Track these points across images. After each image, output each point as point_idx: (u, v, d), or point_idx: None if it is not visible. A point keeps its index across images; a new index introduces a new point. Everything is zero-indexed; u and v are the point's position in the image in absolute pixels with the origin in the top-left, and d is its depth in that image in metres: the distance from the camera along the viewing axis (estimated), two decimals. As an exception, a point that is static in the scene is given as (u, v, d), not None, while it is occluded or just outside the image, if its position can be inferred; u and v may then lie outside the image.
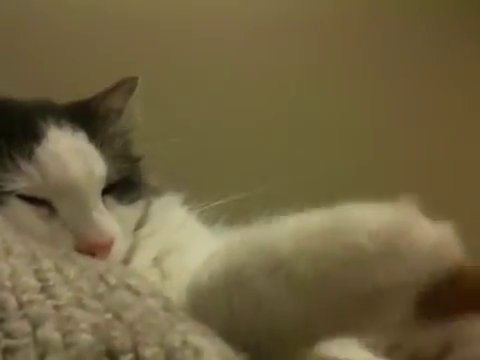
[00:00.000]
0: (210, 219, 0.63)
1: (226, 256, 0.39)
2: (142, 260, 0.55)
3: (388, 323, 0.33)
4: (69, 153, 0.52)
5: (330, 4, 1.26)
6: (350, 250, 0.31)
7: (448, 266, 0.31)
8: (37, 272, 0.32)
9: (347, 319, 0.33)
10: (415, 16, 1.31)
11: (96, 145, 0.55)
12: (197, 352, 0.26)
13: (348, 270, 0.31)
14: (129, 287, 0.33)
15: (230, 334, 0.31)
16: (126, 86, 0.63)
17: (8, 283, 0.30)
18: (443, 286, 0.31)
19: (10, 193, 0.49)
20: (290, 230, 0.35)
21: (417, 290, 0.31)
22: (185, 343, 0.27)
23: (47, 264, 0.33)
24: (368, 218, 0.32)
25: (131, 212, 0.57)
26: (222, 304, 0.37)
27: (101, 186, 0.54)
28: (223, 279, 0.37)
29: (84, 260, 0.39)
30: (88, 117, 0.58)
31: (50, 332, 0.27)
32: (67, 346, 0.26)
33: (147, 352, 0.26)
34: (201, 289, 0.39)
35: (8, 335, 0.27)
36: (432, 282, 0.31)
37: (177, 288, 0.44)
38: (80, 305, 0.29)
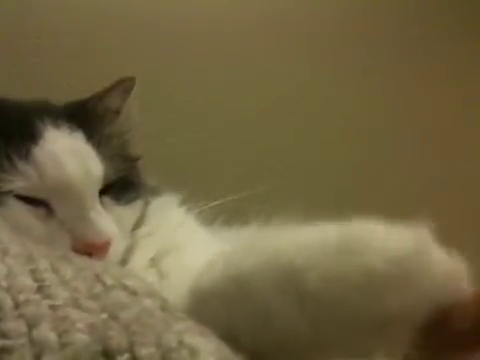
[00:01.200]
0: (208, 219, 0.63)
1: (230, 262, 0.38)
2: (140, 260, 0.55)
3: (395, 348, 0.33)
4: (66, 153, 0.52)
5: (330, 4, 1.26)
6: (364, 274, 0.31)
7: (457, 297, 0.31)
8: (33, 272, 0.32)
9: (355, 341, 0.33)
10: (415, 16, 1.31)
11: (93, 145, 0.55)
12: (193, 352, 0.26)
13: (361, 293, 0.31)
14: (125, 287, 0.33)
15: (230, 341, 0.31)
16: (124, 86, 0.63)
17: (4, 283, 0.30)
18: (451, 315, 0.31)
19: (7, 193, 0.49)
20: (302, 243, 0.35)
21: (424, 318, 0.31)
22: (181, 343, 0.27)
23: (43, 264, 0.33)
24: (384, 241, 0.32)
25: (129, 212, 0.57)
26: (222, 311, 0.36)
27: (98, 186, 0.54)
28: (225, 286, 0.37)
29: (81, 260, 0.39)
30: (85, 117, 0.58)
31: (46, 332, 0.27)
32: (63, 346, 0.26)
33: (143, 352, 0.26)
34: (201, 294, 0.39)
35: (4, 335, 0.27)
36: (440, 311, 0.31)
37: (175, 288, 0.44)
38: (76, 305, 0.29)
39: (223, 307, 0.36)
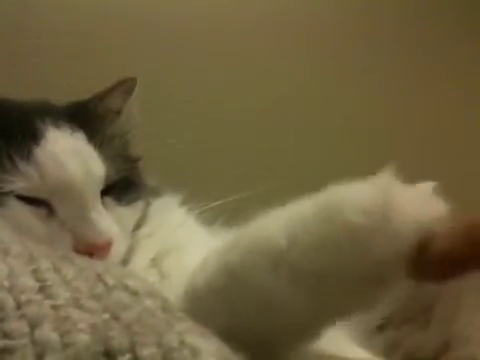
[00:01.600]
0: (209, 219, 0.63)
1: (221, 258, 0.39)
2: (141, 260, 0.55)
3: (390, 292, 0.34)
4: (68, 153, 0.52)
5: (330, 4, 1.26)
6: (345, 231, 0.32)
7: (433, 223, 0.32)
8: (35, 272, 0.32)
9: (352, 298, 0.34)
10: (415, 16, 1.31)
11: (95, 145, 0.55)
12: (195, 352, 0.26)
13: (347, 251, 0.32)
14: (127, 288, 0.33)
15: (229, 335, 0.31)
16: (125, 86, 0.63)
17: (6, 283, 0.30)
18: (432, 243, 0.32)
19: (8, 194, 0.49)
20: (282, 222, 0.36)
21: (409, 253, 0.32)
22: (183, 343, 0.27)
23: (45, 264, 0.33)
24: (355, 196, 0.33)
25: (130, 212, 0.57)
26: (221, 306, 0.37)
27: (100, 187, 0.54)
28: (221, 281, 0.38)
29: (82, 260, 0.39)
30: (87, 117, 0.58)
31: (48, 332, 0.27)
32: (65, 346, 0.26)
33: (145, 352, 0.26)
34: (198, 293, 0.40)
35: (6, 335, 0.27)
36: (421, 241, 0.32)
37: (176, 288, 0.44)
38: (78, 305, 0.30)
39: (222, 302, 0.37)
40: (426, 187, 0.34)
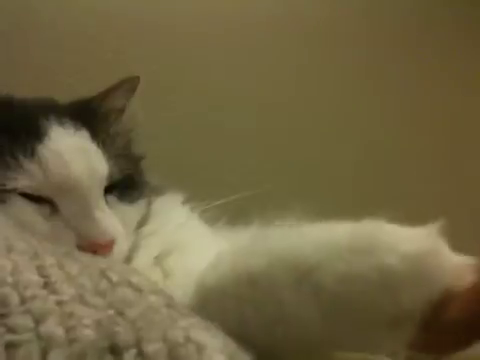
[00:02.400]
0: (212, 218, 0.63)
1: (237, 261, 0.38)
2: (144, 259, 0.55)
3: (406, 342, 0.33)
4: (71, 151, 0.52)
5: (330, 4, 1.26)
6: (379, 271, 0.32)
7: (459, 289, 0.32)
8: (39, 268, 0.32)
9: (369, 336, 0.33)
10: (415, 15, 1.31)
11: (98, 144, 0.55)
12: (200, 347, 0.26)
13: (376, 291, 0.32)
14: (131, 284, 0.33)
15: (237, 337, 0.31)
16: (128, 85, 0.63)
17: (10, 279, 0.30)
18: (451, 305, 0.32)
19: (12, 191, 0.49)
20: (317, 242, 0.35)
21: (429, 311, 0.31)
22: (188, 339, 0.27)
23: (49, 261, 0.33)
24: (396, 239, 0.33)
25: (133, 211, 0.57)
26: (232, 309, 0.36)
27: (103, 185, 0.54)
28: (235, 285, 0.37)
29: (86, 257, 0.39)
30: (90, 116, 0.58)
31: (53, 327, 0.27)
32: (70, 342, 0.26)
33: (150, 347, 0.26)
34: (208, 293, 0.39)
35: (11, 330, 0.27)
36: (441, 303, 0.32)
37: (179, 287, 0.44)
38: (83, 301, 0.29)
39: (233, 304, 0.36)
40: (466, 259, 0.33)
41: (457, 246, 0.34)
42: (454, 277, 0.32)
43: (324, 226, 0.37)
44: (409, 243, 0.32)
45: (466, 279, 0.32)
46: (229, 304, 0.36)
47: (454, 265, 0.32)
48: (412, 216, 0.34)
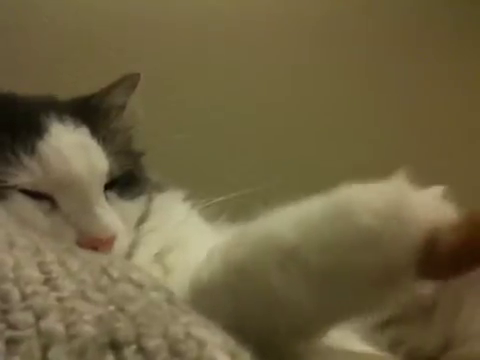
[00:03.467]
0: (212, 215, 0.63)
1: (226, 253, 0.39)
2: (144, 255, 0.55)
3: (398, 294, 0.34)
4: (71, 148, 0.52)
5: (330, 2, 1.26)
6: (357, 233, 0.32)
7: (442, 225, 0.32)
8: (40, 264, 0.32)
9: (361, 298, 0.34)
10: (415, 15, 1.31)
11: (98, 140, 0.55)
12: (200, 344, 0.26)
13: (359, 252, 0.32)
14: (131, 280, 0.33)
15: (234, 330, 0.31)
16: (128, 82, 0.64)
17: (11, 275, 0.30)
18: (440, 245, 0.32)
19: (13, 188, 0.49)
20: (293, 220, 0.36)
21: (418, 253, 0.32)
22: (189, 335, 0.27)
23: (50, 257, 0.33)
24: (367, 198, 0.33)
25: (133, 207, 0.58)
26: (226, 301, 0.37)
27: (103, 181, 0.54)
28: (226, 276, 0.38)
29: (86, 254, 0.39)
30: (90, 113, 0.58)
31: (54, 323, 0.27)
32: (71, 337, 0.26)
33: (150, 343, 0.26)
34: (202, 287, 0.40)
35: (12, 326, 0.27)
36: (430, 241, 0.32)
37: (179, 283, 0.44)
38: (83, 297, 0.30)
39: (227, 297, 0.37)
40: (436, 191, 0.34)
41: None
42: (430, 214, 0.32)
43: (299, 205, 0.38)
44: (378, 199, 0.33)
45: (442, 209, 0.33)
46: (223, 297, 0.37)
47: (425, 205, 0.33)
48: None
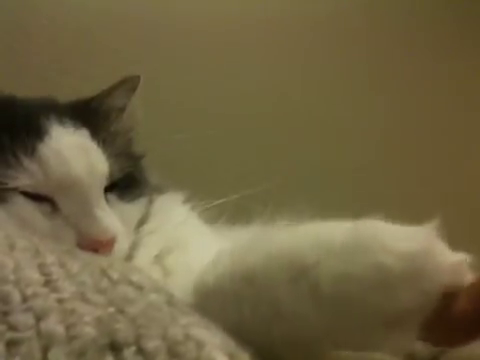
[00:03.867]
0: (212, 217, 0.63)
1: (236, 258, 0.39)
2: (144, 257, 0.55)
3: (406, 340, 0.33)
4: (71, 150, 0.52)
5: (330, 3, 1.26)
6: (377, 271, 0.32)
7: (460, 286, 0.32)
8: (40, 266, 0.32)
9: (367, 335, 0.33)
10: (415, 16, 1.31)
11: (98, 143, 0.55)
12: (200, 345, 0.26)
13: (374, 291, 0.32)
14: (131, 282, 0.33)
15: (236, 335, 0.31)
16: (128, 84, 0.64)
17: (12, 277, 0.30)
18: (454, 303, 0.32)
19: (13, 190, 0.49)
20: (313, 240, 0.35)
21: (431, 309, 0.32)
22: (188, 336, 0.27)
23: (50, 259, 0.33)
24: (394, 239, 0.32)
25: (133, 209, 0.58)
26: (230, 307, 0.37)
27: (103, 183, 0.54)
28: (233, 283, 0.37)
29: (86, 256, 0.39)
30: (90, 115, 0.58)
31: (54, 325, 0.27)
32: (71, 339, 0.26)
33: (150, 345, 0.26)
34: (206, 291, 0.39)
35: (12, 328, 0.27)
36: (444, 301, 0.32)
37: (179, 285, 0.44)
38: (83, 299, 0.30)
39: (232, 303, 0.36)
40: (463, 257, 0.34)
41: (456, 245, 0.34)
42: (451, 275, 0.32)
43: (321, 225, 0.37)
44: (405, 242, 0.32)
45: (464, 276, 0.32)
46: (228, 302, 0.37)
47: (451, 263, 0.32)
48: (413, 216, 0.34)
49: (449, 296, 0.32)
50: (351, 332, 0.33)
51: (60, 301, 0.29)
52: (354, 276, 0.32)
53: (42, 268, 0.32)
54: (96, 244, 0.50)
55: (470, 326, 0.32)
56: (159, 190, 0.64)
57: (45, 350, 0.26)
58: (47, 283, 0.30)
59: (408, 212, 0.35)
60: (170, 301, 0.32)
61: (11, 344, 0.26)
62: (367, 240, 0.33)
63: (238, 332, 0.32)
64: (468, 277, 0.33)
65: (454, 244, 0.34)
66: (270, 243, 0.37)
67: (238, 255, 0.39)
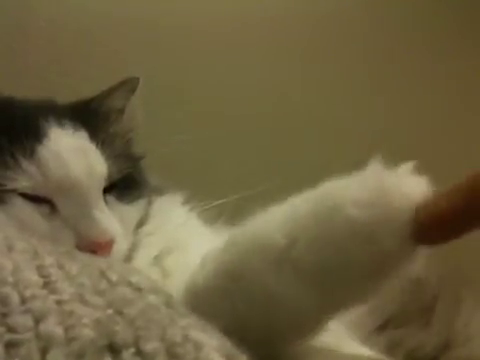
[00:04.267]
0: (211, 218, 0.63)
1: (218, 257, 0.39)
2: (143, 258, 0.55)
3: (395, 270, 0.34)
4: (70, 152, 0.53)
5: (331, 3, 1.26)
6: (346, 226, 0.33)
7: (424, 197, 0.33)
8: (39, 268, 0.32)
9: (357, 288, 0.34)
10: (415, 16, 1.31)
11: (97, 144, 0.55)
12: (198, 347, 0.27)
13: (350, 244, 0.32)
14: (130, 284, 0.33)
15: (231, 332, 0.32)
16: (128, 86, 0.64)
17: (11, 278, 0.30)
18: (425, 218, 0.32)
19: (12, 192, 0.50)
20: (278, 219, 0.36)
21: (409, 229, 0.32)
22: (186, 338, 0.27)
23: (49, 260, 0.33)
24: (349, 191, 0.34)
25: (132, 211, 0.58)
26: (222, 304, 0.37)
27: (102, 185, 0.54)
28: (217, 279, 0.38)
29: (85, 257, 0.39)
30: (89, 116, 0.59)
31: (53, 327, 0.27)
32: (69, 340, 0.26)
33: (148, 346, 0.26)
34: (197, 291, 0.40)
35: (11, 329, 0.27)
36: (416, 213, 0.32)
37: (178, 286, 0.44)
38: (82, 301, 0.30)
39: (222, 299, 0.37)
40: (407, 167, 0.35)
41: (456, 243, 0.34)
42: (413, 194, 0.33)
43: (286, 203, 0.38)
44: (359, 188, 0.34)
45: (421, 184, 0.33)
46: (219, 300, 0.37)
47: (402, 183, 0.33)
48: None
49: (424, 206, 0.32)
50: (343, 292, 0.34)
51: (59, 303, 0.29)
52: (327, 238, 0.33)
53: (41, 270, 0.32)
54: (95, 245, 0.50)
55: (464, 220, 0.32)
56: (158, 191, 0.64)
57: (44, 352, 0.26)
58: (46, 285, 0.30)
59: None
60: (169, 302, 0.32)
61: (10, 346, 0.26)
62: (325, 201, 0.34)
63: (235, 330, 0.32)
64: (422, 181, 0.34)
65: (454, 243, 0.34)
66: (242, 235, 0.38)
67: (219, 254, 0.40)
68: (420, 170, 0.36)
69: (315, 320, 0.36)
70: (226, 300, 0.37)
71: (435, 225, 0.32)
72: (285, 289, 0.34)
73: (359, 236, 0.32)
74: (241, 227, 0.40)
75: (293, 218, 0.36)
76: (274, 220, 0.37)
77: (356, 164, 0.37)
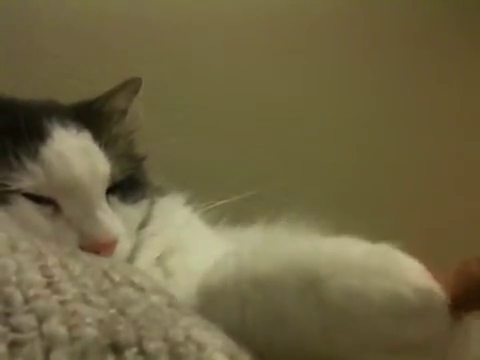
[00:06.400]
0: (213, 219, 0.63)
1: (244, 263, 0.39)
2: (146, 259, 0.55)
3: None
4: (74, 152, 0.53)
5: (331, 3, 1.26)
6: (392, 299, 0.32)
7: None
8: (43, 268, 0.32)
9: (368, 356, 0.33)
10: (414, 16, 1.31)
11: (100, 145, 0.55)
12: (201, 347, 0.27)
13: (383, 316, 0.32)
14: (133, 284, 0.33)
15: (238, 338, 0.31)
16: (130, 87, 0.64)
17: (14, 278, 0.30)
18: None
19: (16, 192, 0.50)
20: (328, 254, 0.35)
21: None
22: (189, 338, 0.27)
23: (52, 260, 0.33)
24: (411, 271, 0.33)
25: (135, 211, 0.58)
26: (233, 310, 0.36)
27: (105, 185, 0.54)
28: (238, 286, 0.37)
29: (88, 257, 0.39)
30: (92, 117, 0.59)
31: (56, 326, 0.27)
32: (73, 340, 0.27)
33: (151, 346, 0.26)
34: (210, 292, 0.39)
35: (14, 329, 0.27)
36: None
37: (180, 287, 0.44)
38: (85, 301, 0.30)
39: (236, 306, 0.36)
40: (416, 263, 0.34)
41: (457, 243, 0.34)
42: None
43: (338, 240, 0.37)
44: (422, 278, 0.32)
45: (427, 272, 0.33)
46: (232, 304, 0.37)
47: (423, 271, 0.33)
48: (413, 216, 0.34)
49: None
50: (352, 351, 0.33)
51: (62, 303, 0.29)
52: (367, 296, 0.32)
53: (44, 270, 0.32)
54: (98, 246, 0.50)
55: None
56: (161, 192, 0.64)
57: (47, 351, 0.26)
58: (49, 285, 0.30)
59: (408, 212, 0.35)
60: (171, 302, 0.32)
61: (13, 345, 0.26)
62: (388, 266, 0.33)
63: (239, 334, 0.32)
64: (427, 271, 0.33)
65: (455, 243, 0.34)
66: (283, 251, 0.37)
67: (246, 259, 0.39)
68: (420, 170, 0.36)
69: (315, 355, 0.34)
70: (238, 307, 0.36)
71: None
72: (299, 316, 0.34)
73: (396, 314, 0.31)
74: (277, 238, 0.39)
75: (344, 259, 0.34)
76: (323, 251, 0.36)
77: (363, 169, 0.36)
